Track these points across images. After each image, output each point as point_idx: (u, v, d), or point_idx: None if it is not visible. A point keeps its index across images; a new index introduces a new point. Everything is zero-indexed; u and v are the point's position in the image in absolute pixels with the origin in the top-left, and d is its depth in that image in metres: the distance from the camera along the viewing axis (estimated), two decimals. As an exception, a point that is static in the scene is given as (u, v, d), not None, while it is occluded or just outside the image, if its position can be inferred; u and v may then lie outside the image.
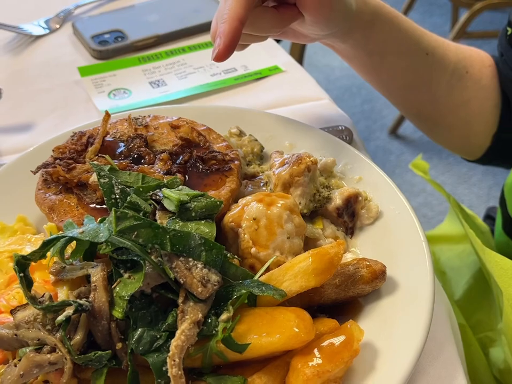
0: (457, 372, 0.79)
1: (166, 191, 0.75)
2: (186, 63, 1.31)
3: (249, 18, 0.80)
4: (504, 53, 1.11)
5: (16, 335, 0.66)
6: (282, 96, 1.22)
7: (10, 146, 1.11)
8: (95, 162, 0.76)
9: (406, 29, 1.02)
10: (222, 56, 0.75)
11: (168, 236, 0.69)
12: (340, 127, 1.12)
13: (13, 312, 0.69)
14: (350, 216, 0.88)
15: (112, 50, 1.32)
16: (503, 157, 1.17)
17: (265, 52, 1.34)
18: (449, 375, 0.78)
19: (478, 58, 1.13)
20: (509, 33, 1.08)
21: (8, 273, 0.79)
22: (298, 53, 1.83)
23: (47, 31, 1.42)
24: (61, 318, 0.63)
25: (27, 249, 0.80)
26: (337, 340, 0.69)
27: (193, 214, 0.74)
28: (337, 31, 0.92)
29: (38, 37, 1.41)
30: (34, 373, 0.64)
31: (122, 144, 0.88)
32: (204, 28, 1.39)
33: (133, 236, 0.67)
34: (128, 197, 0.73)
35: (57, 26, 1.43)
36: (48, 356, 0.64)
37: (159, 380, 0.64)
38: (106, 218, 0.69)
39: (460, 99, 1.11)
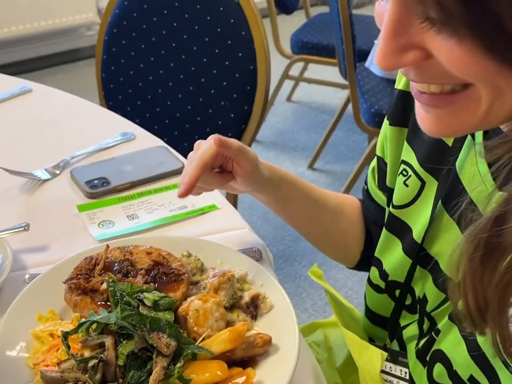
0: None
1: (146, 294, 1.32)
2: (152, 201, 1.89)
3: (202, 178, 1.32)
4: (364, 200, 1.73)
5: (62, 376, 1.20)
6: (216, 225, 1.75)
7: (33, 262, 1.64)
8: (106, 278, 1.33)
9: (301, 187, 1.49)
10: (183, 196, 1.29)
11: (148, 320, 1.25)
12: (254, 248, 1.72)
13: (58, 364, 1.23)
14: (254, 308, 1.45)
15: (100, 192, 1.88)
16: (368, 267, 1.73)
17: (208, 194, 1.95)
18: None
19: (350, 202, 1.70)
20: (365, 188, 1.69)
21: (48, 344, 1.32)
22: (233, 197, 2.49)
23: (51, 176, 1.98)
24: (91, 364, 1.18)
25: (59, 329, 1.33)
26: (241, 379, 1.26)
27: (161, 307, 1.31)
28: (257, 188, 1.44)
29: (45, 181, 1.97)
30: (73, 398, 1.17)
31: (116, 264, 1.46)
32: (166, 176, 1.95)
33: (129, 319, 1.23)
34: (124, 298, 1.30)
35: (58, 172, 1.98)
36: (82, 387, 1.18)
37: (143, 400, 1.18)
38: (114, 311, 1.25)
39: (338, 229, 1.64)
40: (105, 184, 1.90)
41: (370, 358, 1.24)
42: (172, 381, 1.19)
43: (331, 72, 4.83)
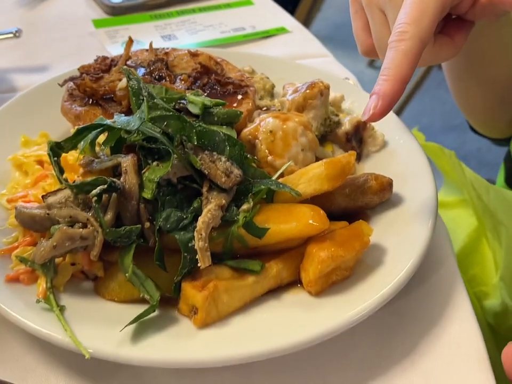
0: (457, 282, 0.84)
1: (190, 96, 0.79)
2: (196, 21, 1.37)
3: (424, 61, 0.75)
4: None
5: (48, 214, 0.70)
6: (288, 53, 1.28)
7: (26, 84, 1.14)
8: (125, 67, 0.81)
9: None
10: (377, 118, 0.68)
11: (194, 130, 0.73)
12: (346, 79, 1.18)
13: (44, 197, 0.72)
14: (358, 142, 0.93)
15: (125, 7, 1.37)
16: None
17: (272, 15, 1.40)
18: (449, 285, 0.83)
19: None
20: None
21: (34, 174, 0.83)
22: (303, 17, 1.90)
23: (61, -11, 1.46)
24: (95, 191, 0.67)
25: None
26: (349, 231, 0.74)
27: (215, 119, 0.79)
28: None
29: (53, -6, 1.44)
30: (66, 246, 0.67)
31: (143, 68, 0.93)
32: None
33: (163, 125, 0.71)
34: (155, 99, 0.78)
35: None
36: (80, 230, 0.68)
37: (186, 254, 0.68)
38: (138, 110, 0.73)
39: None
40: (132, -1, 1.36)
41: None
42: (235, 230, 0.69)
43: None
